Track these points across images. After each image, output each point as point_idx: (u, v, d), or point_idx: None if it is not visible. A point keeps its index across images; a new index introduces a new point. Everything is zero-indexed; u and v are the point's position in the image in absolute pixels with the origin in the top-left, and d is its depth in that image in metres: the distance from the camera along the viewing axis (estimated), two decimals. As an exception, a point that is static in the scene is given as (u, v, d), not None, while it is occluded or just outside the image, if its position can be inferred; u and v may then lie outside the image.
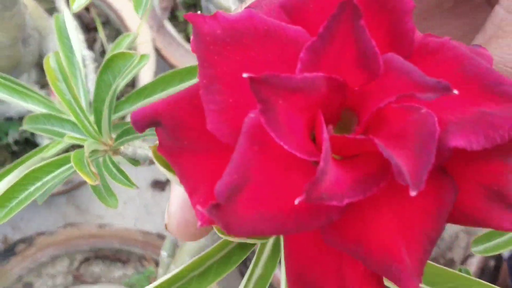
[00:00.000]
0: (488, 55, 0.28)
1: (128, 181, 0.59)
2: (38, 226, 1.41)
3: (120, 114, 0.63)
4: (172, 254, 0.84)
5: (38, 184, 0.60)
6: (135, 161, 0.63)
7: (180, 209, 0.36)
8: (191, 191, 0.30)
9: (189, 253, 0.74)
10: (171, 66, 1.35)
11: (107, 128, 0.60)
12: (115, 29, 1.42)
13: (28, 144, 1.34)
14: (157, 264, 1.30)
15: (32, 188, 0.60)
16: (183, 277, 0.41)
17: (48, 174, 0.60)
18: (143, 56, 0.59)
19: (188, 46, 1.43)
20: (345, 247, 0.29)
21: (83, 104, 0.64)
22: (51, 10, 1.36)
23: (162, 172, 0.37)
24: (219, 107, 0.28)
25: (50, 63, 0.61)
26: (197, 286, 0.41)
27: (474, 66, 0.27)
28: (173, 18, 1.48)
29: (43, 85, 1.30)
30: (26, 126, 0.66)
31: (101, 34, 1.38)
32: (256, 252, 0.42)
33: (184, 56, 1.39)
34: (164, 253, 0.84)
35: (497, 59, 0.32)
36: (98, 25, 1.38)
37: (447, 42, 0.28)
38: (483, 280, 1.13)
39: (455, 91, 0.25)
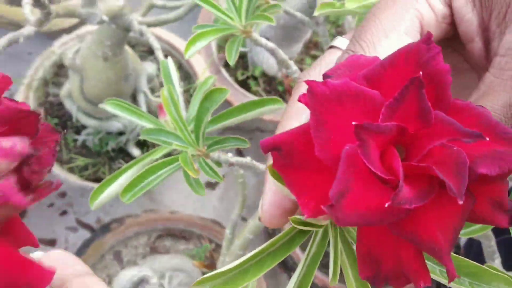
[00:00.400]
0: (488, 111, 0.30)
1: (217, 176, 0.62)
2: (122, 212, 1.41)
3: (210, 129, 0.65)
4: (233, 232, 0.85)
5: (154, 176, 0.63)
6: (219, 163, 0.66)
7: (272, 206, 0.37)
8: (299, 195, 0.31)
9: (249, 231, 0.77)
10: (226, 101, 1.37)
11: (202, 139, 0.63)
12: (185, 72, 1.44)
13: (121, 152, 1.34)
14: (211, 241, 1.30)
15: (150, 179, 0.63)
16: (262, 253, 0.40)
17: (161, 170, 0.63)
18: (227, 90, 0.62)
19: (236, 86, 1.45)
20: (404, 235, 0.31)
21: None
22: (143, 56, 1.39)
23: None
24: (325, 141, 0.30)
25: (164, 92, 0.64)
26: (271, 260, 0.40)
27: (488, 120, 0.29)
28: (226, 65, 1.48)
29: None
30: (142, 136, 0.67)
31: (176, 73, 1.40)
32: (312, 237, 0.41)
33: (234, 94, 1.41)
34: (227, 231, 0.86)
35: (488, 109, 0.32)
36: (175, 67, 1.40)
37: (469, 103, 0.30)
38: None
39: (487, 138, 0.27)
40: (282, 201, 0.36)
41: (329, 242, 0.41)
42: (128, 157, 1.31)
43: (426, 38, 0.30)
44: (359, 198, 0.29)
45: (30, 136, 0.27)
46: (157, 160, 0.67)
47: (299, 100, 0.31)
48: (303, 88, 0.36)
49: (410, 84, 0.28)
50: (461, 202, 0.27)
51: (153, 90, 1.33)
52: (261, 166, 0.70)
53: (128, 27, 1.00)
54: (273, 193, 0.36)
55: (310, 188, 0.31)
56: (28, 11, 0.73)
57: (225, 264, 0.84)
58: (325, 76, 0.32)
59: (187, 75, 1.42)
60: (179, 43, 1.42)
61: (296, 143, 0.31)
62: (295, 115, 0.36)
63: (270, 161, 0.34)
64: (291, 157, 0.31)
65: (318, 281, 1.28)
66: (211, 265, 1.26)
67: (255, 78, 1.48)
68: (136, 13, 1.01)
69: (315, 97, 0.29)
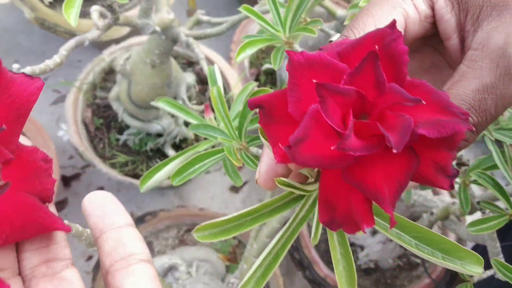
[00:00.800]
0: (446, 93, 0.32)
1: (255, 165, 0.66)
2: (153, 208, 1.44)
3: (252, 127, 0.69)
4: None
5: (200, 164, 0.66)
6: (256, 157, 0.70)
7: (266, 169, 0.39)
8: (274, 145, 0.34)
9: (276, 220, 0.80)
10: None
11: (244, 134, 0.67)
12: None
13: (158, 152, 1.37)
14: (234, 238, 1.33)
15: (196, 166, 0.66)
16: (260, 210, 0.43)
17: (207, 159, 0.66)
18: (270, 91, 0.66)
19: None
20: (354, 183, 0.33)
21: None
22: (183, 68, 1.44)
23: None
24: (296, 100, 0.33)
25: (213, 92, 0.68)
26: (267, 216, 0.43)
27: (437, 95, 0.32)
28: (257, 80, 1.52)
29: (172, 114, 1.35)
30: (190, 130, 0.71)
31: None
32: (302, 204, 0.44)
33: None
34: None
35: (459, 93, 0.36)
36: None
37: (425, 82, 0.33)
38: (442, 285, 1.11)
39: (424, 102, 0.30)
40: (276, 166, 0.39)
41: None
42: (164, 157, 1.35)
43: (391, 24, 0.33)
44: (315, 144, 0.32)
45: None
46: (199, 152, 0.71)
47: (286, 68, 0.34)
48: None
49: (368, 57, 0.31)
50: (395, 151, 0.30)
51: (190, 98, 1.38)
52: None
53: (175, 38, 1.05)
54: (269, 159, 0.39)
55: (282, 139, 0.34)
56: (96, 17, 0.78)
57: (252, 251, 0.87)
58: (319, 50, 0.34)
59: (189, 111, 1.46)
60: (215, 58, 1.47)
61: (275, 102, 0.34)
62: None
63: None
64: (271, 114, 0.34)
65: (330, 280, 1.30)
66: (233, 259, 1.29)
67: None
68: (183, 27, 1.06)
69: (292, 63, 0.33)
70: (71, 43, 0.78)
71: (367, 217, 0.34)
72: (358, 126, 0.32)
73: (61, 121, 1.62)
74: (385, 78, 0.31)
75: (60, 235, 0.29)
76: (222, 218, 0.43)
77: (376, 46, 0.32)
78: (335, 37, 0.42)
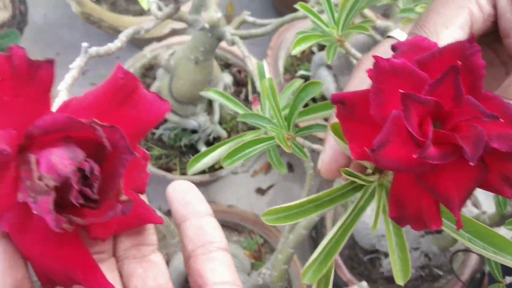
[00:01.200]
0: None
1: (304, 154, 0.69)
2: None
3: (300, 120, 0.72)
4: None
5: (251, 149, 0.70)
6: (302, 147, 0.73)
7: (329, 160, 0.42)
8: (350, 140, 0.36)
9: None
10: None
11: (293, 124, 0.70)
12: (255, 87, 1.52)
13: (192, 148, 1.41)
14: (260, 236, 1.36)
15: (246, 151, 0.69)
16: (322, 198, 0.45)
17: (256, 145, 0.69)
18: (321, 84, 0.69)
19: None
20: (427, 187, 0.35)
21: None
22: (222, 68, 1.48)
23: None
24: (378, 104, 0.34)
25: (265, 83, 0.72)
26: (328, 204, 0.45)
27: (508, 110, 0.33)
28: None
29: (208, 112, 1.39)
30: (239, 119, 0.75)
31: (249, 87, 1.48)
32: (361, 193, 0.46)
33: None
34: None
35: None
36: (249, 82, 1.47)
37: (497, 96, 0.34)
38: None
39: (501, 120, 0.32)
40: (338, 157, 0.41)
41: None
42: (197, 153, 1.39)
43: (470, 38, 0.35)
44: (396, 149, 0.34)
45: (101, 152, 0.26)
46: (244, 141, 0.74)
47: (368, 73, 0.36)
48: (366, 64, 0.42)
49: (449, 70, 0.33)
50: (472, 164, 0.32)
51: (226, 98, 1.42)
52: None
53: (221, 36, 1.09)
54: (332, 150, 0.41)
55: (360, 137, 0.36)
56: (154, 8, 0.83)
57: (286, 244, 0.90)
58: (393, 47, 0.37)
59: (255, 91, 1.49)
60: (252, 61, 1.51)
61: (357, 101, 0.36)
62: (358, 85, 0.42)
63: (332, 121, 0.41)
64: (351, 111, 0.36)
65: (352, 285, 1.32)
66: (258, 257, 1.32)
67: (314, 100, 1.55)
68: (229, 26, 1.10)
69: (378, 69, 0.34)
70: (129, 30, 0.82)
71: (436, 218, 0.37)
72: (435, 136, 0.34)
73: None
74: (463, 91, 0.33)
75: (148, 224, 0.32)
76: (287, 204, 0.45)
77: (459, 62, 0.34)
78: (395, 32, 0.44)
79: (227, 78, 1.40)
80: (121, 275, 0.31)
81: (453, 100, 0.34)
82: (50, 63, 0.26)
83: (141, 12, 1.59)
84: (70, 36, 1.82)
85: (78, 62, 0.68)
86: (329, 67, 1.50)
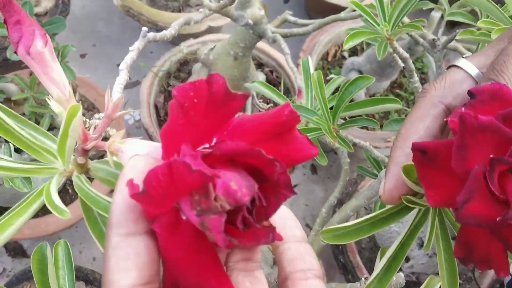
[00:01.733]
0: None
1: (347, 146, 0.70)
2: None
3: (343, 114, 0.74)
4: (328, 211, 0.93)
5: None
6: (345, 139, 0.74)
7: (392, 188, 0.43)
8: (428, 187, 0.37)
9: (349, 208, 0.84)
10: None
11: (338, 117, 0.72)
12: (286, 88, 1.54)
13: None
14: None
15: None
16: (377, 216, 0.47)
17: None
18: (372, 79, 0.71)
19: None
20: (499, 238, 0.36)
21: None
22: (256, 67, 1.51)
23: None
24: (462, 158, 0.35)
25: (314, 76, 0.74)
26: (383, 223, 0.48)
27: None
28: None
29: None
30: (284, 110, 0.78)
31: (281, 87, 1.50)
32: (416, 214, 0.48)
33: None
34: (324, 210, 0.93)
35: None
36: (282, 82, 1.50)
37: None
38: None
39: None
40: (401, 187, 0.43)
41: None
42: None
43: None
44: (477, 206, 0.34)
45: (261, 178, 0.26)
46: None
47: (450, 124, 0.36)
48: (430, 94, 0.43)
49: None
50: None
51: (257, 95, 1.44)
52: (375, 151, 0.78)
53: (262, 34, 1.11)
54: (395, 179, 0.43)
55: (437, 186, 0.38)
56: (207, 0, 0.85)
57: (315, 237, 0.91)
58: (470, 93, 0.37)
59: (286, 91, 1.52)
60: (284, 61, 1.53)
61: (439, 152, 0.37)
62: (420, 120, 0.42)
63: (399, 157, 0.42)
64: (432, 160, 0.37)
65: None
66: None
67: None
68: (270, 24, 1.13)
69: (465, 124, 0.34)
70: (181, 20, 0.85)
71: (505, 266, 0.39)
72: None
73: (128, 105, 1.70)
74: None
75: None
76: (344, 224, 0.48)
77: None
78: (462, 62, 0.44)
79: (261, 76, 1.42)
80: None
81: None
82: (245, 97, 0.27)
83: (179, 9, 1.62)
84: (106, 29, 1.87)
85: (137, 45, 0.71)
86: (360, 72, 1.52)
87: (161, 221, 0.25)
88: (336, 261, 1.39)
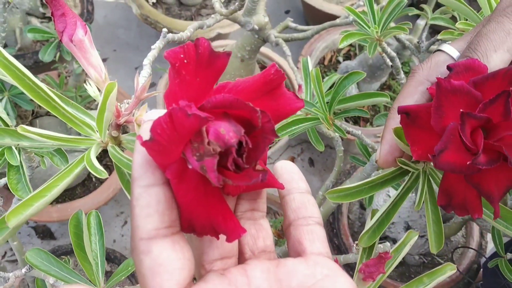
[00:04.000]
0: None
1: (342, 132, 0.73)
2: None
3: (338, 107, 0.77)
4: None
5: (296, 127, 0.74)
6: (341, 128, 0.77)
7: (386, 153, 0.46)
8: (412, 144, 0.40)
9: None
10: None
11: (333, 108, 0.75)
12: (286, 87, 1.57)
13: None
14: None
15: (293, 127, 0.74)
16: (375, 181, 0.50)
17: (302, 123, 0.74)
18: (362, 74, 0.74)
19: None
20: (472, 183, 0.39)
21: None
22: (260, 70, 1.54)
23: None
24: (439, 116, 0.38)
25: (313, 73, 0.76)
26: (380, 187, 0.50)
27: None
28: None
29: None
30: (286, 103, 0.81)
31: None
32: (407, 178, 0.51)
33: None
34: (320, 193, 0.96)
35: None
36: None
37: None
38: (467, 276, 1.13)
39: None
40: (394, 151, 0.45)
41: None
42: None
43: None
44: (451, 155, 0.37)
45: (251, 127, 0.27)
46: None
47: (429, 90, 0.40)
48: (418, 73, 0.45)
49: (501, 93, 0.37)
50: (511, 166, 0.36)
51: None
52: (365, 139, 0.81)
53: (266, 38, 1.14)
54: (389, 145, 0.46)
55: (420, 142, 0.40)
56: (218, 6, 0.88)
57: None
58: (448, 67, 0.40)
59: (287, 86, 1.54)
60: (284, 64, 1.56)
61: (420, 113, 0.40)
62: (409, 95, 0.45)
63: (392, 125, 0.44)
64: (414, 120, 0.40)
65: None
66: (282, 235, 1.36)
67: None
68: (273, 30, 1.16)
69: (440, 88, 0.37)
70: (195, 24, 0.88)
71: (478, 209, 0.41)
72: (484, 145, 0.37)
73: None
74: (511, 110, 0.36)
75: (264, 194, 0.33)
76: (347, 186, 0.51)
77: (511, 88, 0.37)
78: (445, 47, 0.47)
79: (264, 77, 1.45)
80: None
81: (501, 116, 0.37)
82: (227, 55, 0.28)
83: (192, 18, 1.65)
84: (126, 36, 1.90)
85: (158, 44, 0.74)
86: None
87: (172, 169, 0.26)
88: (331, 243, 1.41)
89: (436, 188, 0.49)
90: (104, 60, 1.81)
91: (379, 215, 0.51)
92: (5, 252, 1.47)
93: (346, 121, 1.55)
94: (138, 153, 0.27)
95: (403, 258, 1.42)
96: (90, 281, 0.52)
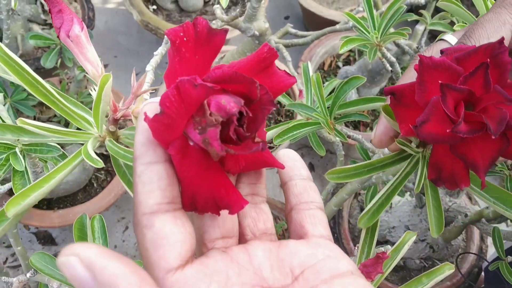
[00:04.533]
0: None
1: (343, 136, 0.74)
2: None
3: (339, 112, 0.77)
4: (325, 198, 0.96)
5: (298, 131, 0.75)
6: (342, 133, 0.78)
7: (381, 134, 0.47)
8: (400, 122, 0.41)
9: (345, 192, 0.87)
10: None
11: (334, 113, 0.75)
12: (286, 93, 1.57)
13: None
14: (286, 222, 1.39)
15: (295, 132, 0.75)
16: (374, 164, 0.51)
17: (303, 128, 0.75)
18: (363, 78, 0.74)
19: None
20: (458, 155, 0.40)
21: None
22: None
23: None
24: (422, 92, 0.39)
25: (314, 78, 0.77)
26: (379, 169, 0.51)
27: None
28: None
29: None
30: (288, 107, 0.80)
31: None
32: (407, 162, 0.51)
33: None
34: (322, 197, 0.97)
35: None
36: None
37: None
38: (468, 280, 1.14)
39: None
40: (388, 131, 0.47)
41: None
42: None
43: (500, 40, 0.39)
44: (434, 126, 0.38)
45: (250, 99, 0.28)
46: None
47: (414, 68, 0.40)
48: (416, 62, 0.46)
49: (481, 65, 0.38)
50: (493, 137, 0.36)
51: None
52: (366, 143, 0.82)
53: (266, 44, 1.15)
54: (383, 126, 0.47)
55: (407, 119, 0.41)
56: (219, 12, 0.89)
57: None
58: (441, 51, 0.41)
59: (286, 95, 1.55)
60: (284, 69, 1.57)
61: (405, 92, 0.41)
62: (410, 80, 0.45)
63: (384, 104, 0.46)
64: (400, 99, 0.41)
65: None
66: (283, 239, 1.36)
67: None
68: (274, 35, 1.16)
69: (422, 65, 0.39)
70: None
71: (465, 180, 0.42)
72: (466, 115, 0.38)
73: (146, 109, 1.73)
74: (491, 82, 0.37)
75: (263, 179, 0.34)
76: (346, 167, 0.51)
77: (489, 59, 0.38)
78: (447, 36, 0.49)
79: (264, 83, 1.45)
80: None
81: (482, 88, 0.38)
82: (224, 31, 0.29)
83: (192, 24, 1.66)
84: (126, 42, 1.91)
85: (160, 50, 0.74)
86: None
87: (174, 145, 0.27)
88: (332, 247, 1.41)
89: None
90: (105, 66, 1.82)
91: (378, 197, 0.51)
92: (6, 258, 1.47)
93: (346, 126, 1.56)
94: (140, 133, 0.27)
95: (404, 263, 1.42)
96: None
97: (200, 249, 0.30)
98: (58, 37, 0.43)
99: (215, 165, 0.29)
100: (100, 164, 0.38)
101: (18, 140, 0.40)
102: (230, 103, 0.26)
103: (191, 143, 0.26)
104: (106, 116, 0.43)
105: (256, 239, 0.31)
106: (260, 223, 0.32)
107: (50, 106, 0.40)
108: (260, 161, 0.32)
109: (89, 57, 0.44)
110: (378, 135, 0.47)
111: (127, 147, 0.43)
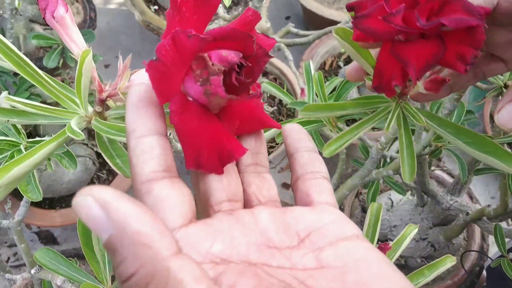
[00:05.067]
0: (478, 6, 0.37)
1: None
2: None
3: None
4: None
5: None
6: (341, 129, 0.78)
7: (351, 68, 0.49)
8: (356, 35, 0.42)
9: (346, 188, 0.88)
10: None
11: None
12: (288, 92, 1.58)
13: None
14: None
15: (297, 130, 0.76)
16: (347, 102, 0.52)
17: (306, 126, 0.75)
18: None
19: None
20: (395, 54, 0.39)
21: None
22: (263, 74, 1.55)
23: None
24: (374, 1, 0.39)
25: (315, 76, 0.78)
26: (353, 106, 0.52)
27: (467, 4, 0.36)
28: None
29: None
30: (289, 105, 0.81)
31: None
32: (383, 108, 0.51)
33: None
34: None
35: None
36: (285, 87, 1.53)
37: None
38: (469, 278, 1.13)
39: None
40: (357, 68, 0.48)
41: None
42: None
43: None
44: (374, 22, 0.39)
45: (246, 54, 0.29)
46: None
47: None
48: None
49: None
50: (419, 24, 0.36)
51: (263, 99, 1.48)
52: (367, 140, 0.82)
53: (268, 43, 1.15)
54: (355, 64, 0.48)
55: (365, 29, 0.41)
56: (221, 11, 0.89)
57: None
58: None
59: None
60: (286, 70, 1.57)
61: (362, 5, 0.41)
62: None
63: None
64: (359, 12, 0.40)
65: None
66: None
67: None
68: (276, 35, 1.17)
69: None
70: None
71: (399, 78, 0.41)
72: (405, 14, 0.38)
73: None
74: None
75: (264, 148, 0.34)
76: (321, 103, 0.51)
77: None
78: None
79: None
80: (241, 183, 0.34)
81: None
82: None
83: (193, 24, 1.67)
84: (128, 42, 1.91)
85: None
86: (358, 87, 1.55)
87: (174, 101, 0.28)
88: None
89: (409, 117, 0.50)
90: (106, 66, 1.83)
91: (349, 128, 0.51)
92: (8, 258, 1.47)
93: (347, 124, 1.56)
94: (131, 110, 0.28)
95: (405, 261, 1.42)
96: (98, 279, 0.52)
97: (207, 212, 0.30)
98: (43, 18, 0.44)
99: (213, 118, 0.30)
100: (82, 136, 0.38)
101: (8, 121, 0.41)
102: (231, 54, 0.27)
103: (190, 99, 0.28)
104: (91, 94, 0.43)
105: (261, 205, 0.31)
106: (264, 191, 0.32)
107: (37, 85, 0.41)
108: (255, 120, 0.33)
109: (74, 38, 0.45)
110: (349, 70, 0.49)
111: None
